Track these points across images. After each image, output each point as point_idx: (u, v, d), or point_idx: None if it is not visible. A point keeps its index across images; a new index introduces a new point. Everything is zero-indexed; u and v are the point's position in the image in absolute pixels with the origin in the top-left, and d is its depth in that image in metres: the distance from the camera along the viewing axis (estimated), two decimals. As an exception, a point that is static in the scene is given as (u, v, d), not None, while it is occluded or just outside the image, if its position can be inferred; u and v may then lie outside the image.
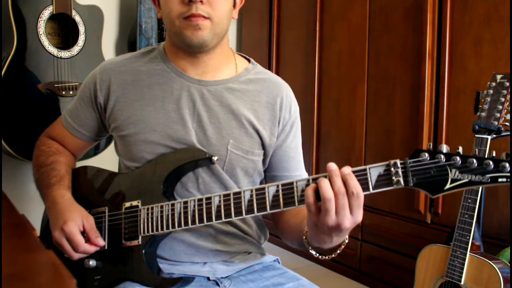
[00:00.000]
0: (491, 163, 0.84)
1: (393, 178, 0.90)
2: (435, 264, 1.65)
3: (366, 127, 2.47)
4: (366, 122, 2.46)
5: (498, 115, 1.53)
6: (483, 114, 1.56)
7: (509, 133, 1.53)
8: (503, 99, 1.54)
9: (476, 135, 1.55)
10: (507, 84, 1.55)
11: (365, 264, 2.48)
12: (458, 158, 0.87)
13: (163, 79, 1.17)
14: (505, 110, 1.54)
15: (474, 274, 1.55)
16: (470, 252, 1.56)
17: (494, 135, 1.54)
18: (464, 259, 1.56)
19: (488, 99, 1.57)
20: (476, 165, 0.85)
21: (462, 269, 1.56)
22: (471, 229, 1.55)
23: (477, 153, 0.88)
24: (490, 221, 1.89)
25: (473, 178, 0.86)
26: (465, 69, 2.03)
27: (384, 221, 2.36)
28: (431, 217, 2.17)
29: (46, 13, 2.18)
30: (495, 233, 1.89)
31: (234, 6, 1.17)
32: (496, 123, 1.53)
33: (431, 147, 0.90)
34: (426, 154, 0.89)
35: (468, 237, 1.55)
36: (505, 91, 1.55)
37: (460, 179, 0.87)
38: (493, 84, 1.58)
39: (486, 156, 0.85)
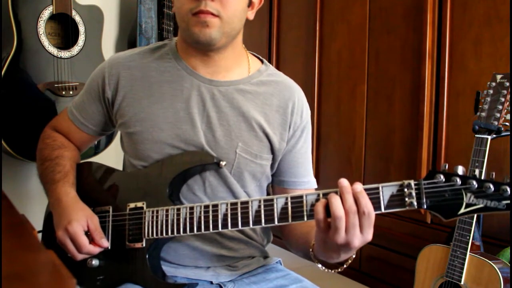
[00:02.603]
0: (508, 189, 0.81)
1: (406, 199, 0.87)
2: (435, 264, 1.65)
3: (366, 127, 2.47)
4: (366, 122, 2.46)
5: (498, 115, 1.53)
6: (483, 114, 1.56)
7: (509, 133, 1.54)
8: (503, 99, 1.54)
9: (476, 135, 1.55)
10: (507, 84, 1.55)
11: (365, 264, 2.48)
12: (474, 182, 0.84)
13: (173, 77, 1.14)
14: (505, 110, 1.54)
15: (474, 274, 1.55)
16: (470, 252, 1.56)
17: (494, 135, 1.54)
18: (464, 259, 1.56)
19: (488, 99, 1.57)
20: (492, 190, 0.82)
21: (462, 269, 1.56)
22: (471, 229, 1.55)
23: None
24: (490, 221, 1.89)
25: (489, 204, 0.83)
26: (465, 69, 2.03)
27: (384, 221, 2.36)
28: (431, 217, 2.17)
29: (46, 13, 2.18)
30: (495, 233, 1.89)
31: (250, 6, 1.14)
32: (496, 123, 1.53)
33: (446, 168, 0.87)
34: (442, 176, 0.86)
35: (468, 237, 1.55)
36: (505, 91, 1.55)
37: (475, 204, 0.84)
38: (493, 84, 1.58)
39: (502, 180, 0.83)
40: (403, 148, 2.28)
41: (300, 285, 1.15)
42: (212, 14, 1.04)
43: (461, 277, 1.56)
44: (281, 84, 1.19)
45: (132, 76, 1.16)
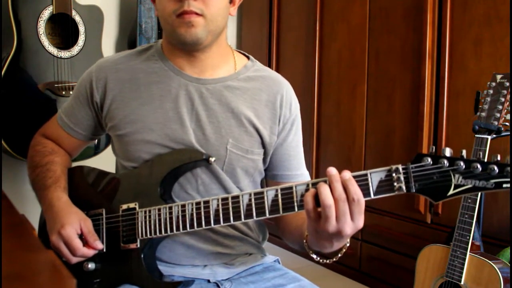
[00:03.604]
0: (495, 168, 0.81)
1: (395, 184, 0.87)
2: (435, 264, 1.65)
3: (366, 127, 2.47)
4: (366, 122, 2.46)
5: (498, 115, 1.53)
6: (483, 114, 1.56)
7: (509, 133, 1.54)
8: (503, 99, 1.54)
9: (476, 135, 1.55)
10: (507, 84, 1.55)
11: (365, 264, 2.48)
12: (461, 163, 0.83)
13: (160, 78, 1.15)
14: (505, 110, 1.54)
15: (474, 274, 1.55)
16: (470, 252, 1.56)
17: (494, 135, 1.54)
18: (464, 259, 1.56)
19: (488, 99, 1.57)
20: (480, 170, 0.82)
21: (462, 269, 1.56)
22: (471, 229, 1.55)
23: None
24: (490, 221, 1.89)
25: (477, 184, 0.82)
26: (465, 69, 2.03)
27: (384, 221, 2.36)
28: (431, 217, 2.17)
29: (46, 13, 2.18)
30: (495, 233, 1.89)
31: (232, 2, 1.14)
32: (496, 123, 1.53)
33: (433, 150, 0.87)
34: (429, 159, 0.86)
35: (468, 237, 1.55)
36: (505, 91, 1.55)
37: (463, 185, 0.84)
38: (493, 84, 1.58)
39: (489, 160, 0.83)
40: (403, 148, 2.28)
41: (298, 284, 1.15)
42: (196, 13, 1.04)
43: (461, 277, 1.56)
44: (269, 78, 1.20)
45: (119, 78, 1.16)
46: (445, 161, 0.85)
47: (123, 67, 1.18)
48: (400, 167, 0.88)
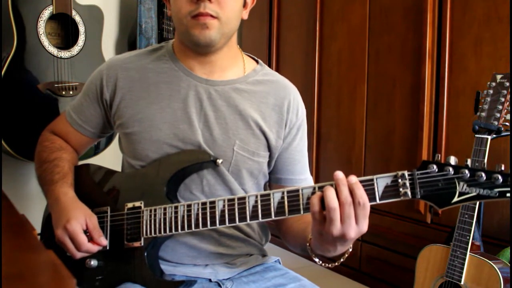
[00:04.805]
0: (500, 177, 0.83)
1: (400, 189, 0.89)
2: (435, 264, 1.66)
3: (366, 127, 2.47)
4: (366, 122, 2.46)
5: (498, 115, 1.53)
6: (483, 114, 1.56)
7: (509, 133, 1.54)
8: (503, 99, 1.54)
9: (476, 135, 1.55)
10: (507, 84, 1.55)
11: (365, 264, 2.48)
12: (466, 171, 0.86)
13: (170, 78, 1.16)
14: (505, 110, 1.54)
15: (474, 274, 1.55)
16: (470, 252, 1.56)
17: (494, 135, 1.54)
18: (464, 259, 1.56)
19: (488, 99, 1.57)
20: (484, 178, 0.84)
21: (462, 269, 1.56)
22: (471, 229, 1.55)
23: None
24: (490, 221, 1.89)
25: (481, 192, 0.84)
26: (465, 69, 2.03)
27: (384, 221, 2.36)
28: (431, 217, 2.17)
29: (46, 13, 2.18)
30: (495, 233, 1.89)
31: (245, 6, 1.16)
32: (496, 123, 1.53)
33: (439, 158, 0.89)
34: (434, 166, 0.88)
35: (468, 237, 1.55)
36: (505, 91, 1.55)
37: (468, 193, 0.86)
38: (493, 84, 1.58)
39: (493, 169, 0.84)
40: (403, 148, 2.28)
41: (299, 284, 1.16)
42: (211, 16, 1.06)
43: (461, 277, 1.56)
44: (277, 83, 1.21)
45: (129, 77, 1.17)
46: (450, 169, 0.87)
47: (133, 66, 1.19)
48: (406, 173, 0.89)
